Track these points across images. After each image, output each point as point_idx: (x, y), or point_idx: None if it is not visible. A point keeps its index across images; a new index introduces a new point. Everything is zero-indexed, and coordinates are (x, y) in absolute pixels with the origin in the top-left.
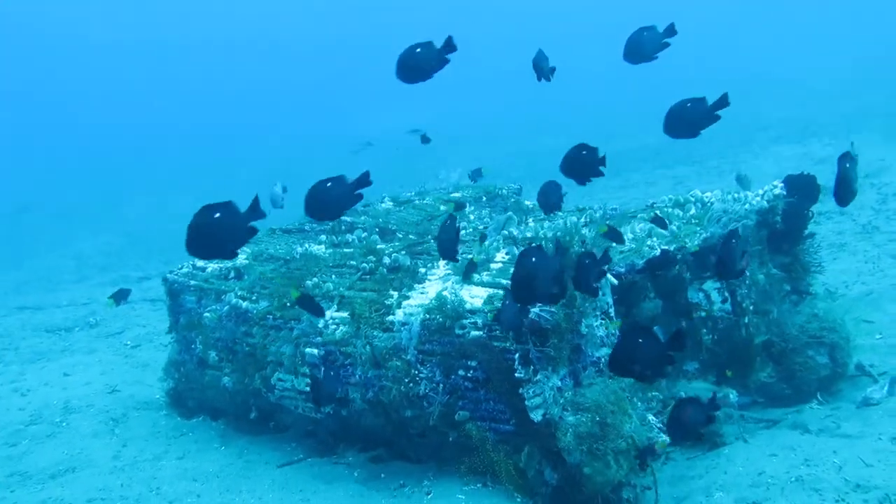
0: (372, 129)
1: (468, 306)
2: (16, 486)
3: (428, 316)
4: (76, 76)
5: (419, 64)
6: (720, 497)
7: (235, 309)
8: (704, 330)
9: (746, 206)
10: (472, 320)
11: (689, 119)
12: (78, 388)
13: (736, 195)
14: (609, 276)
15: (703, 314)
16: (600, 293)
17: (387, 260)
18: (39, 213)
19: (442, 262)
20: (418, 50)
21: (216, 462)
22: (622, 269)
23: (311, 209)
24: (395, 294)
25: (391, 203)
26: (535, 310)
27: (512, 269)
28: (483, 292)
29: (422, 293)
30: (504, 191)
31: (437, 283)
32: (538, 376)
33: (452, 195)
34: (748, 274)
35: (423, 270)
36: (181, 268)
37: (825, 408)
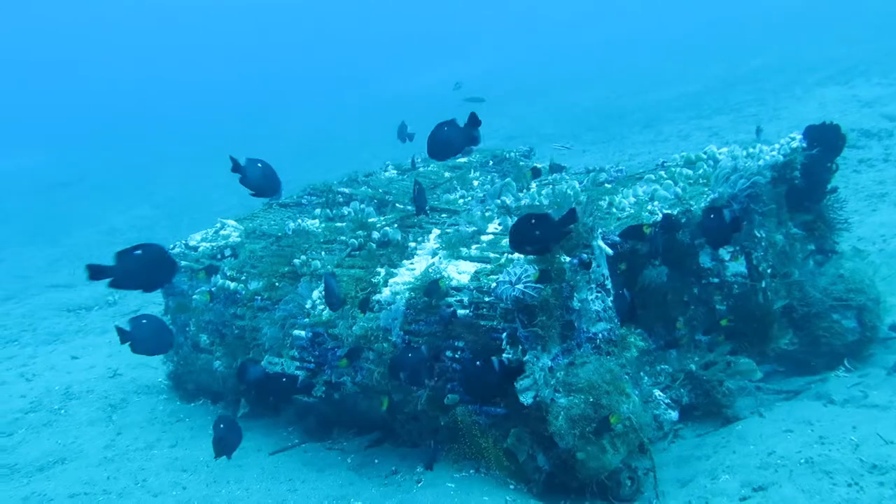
0: (411, 87)
1: (454, 283)
2: (2, 479)
3: (413, 295)
4: (109, 48)
5: None
6: (725, 480)
7: (223, 290)
8: (718, 297)
9: (760, 161)
10: (459, 298)
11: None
12: (81, 372)
13: (750, 150)
14: (603, 244)
15: (716, 280)
16: (594, 264)
17: (376, 234)
18: (78, 188)
19: (432, 235)
20: None
21: (208, 450)
22: (618, 238)
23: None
24: (383, 271)
25: (395, 171)
26: (519, 286)
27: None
28: (471, 267)
29: (409, 269)
30: (512, 154)
31: (426, 257)
32: (527, 356)
33: (459, 160)
34: (764, 235)
35: (412, 245)
36: (173, 247)
37: (853, 375)
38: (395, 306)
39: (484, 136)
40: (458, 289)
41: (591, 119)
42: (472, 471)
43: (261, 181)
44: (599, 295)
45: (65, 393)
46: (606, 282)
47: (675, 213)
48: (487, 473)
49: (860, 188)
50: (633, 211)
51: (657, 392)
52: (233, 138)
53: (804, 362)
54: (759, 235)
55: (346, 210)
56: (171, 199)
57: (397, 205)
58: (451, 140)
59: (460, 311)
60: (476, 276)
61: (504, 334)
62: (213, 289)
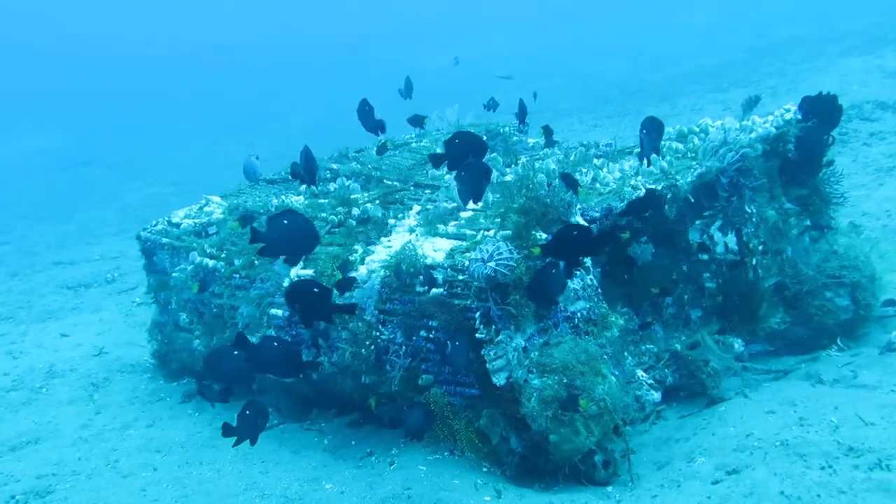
0: (428, 64)
1: (428, 261)
2: None
3: (388, 273)
4: (132, 29)
5: None
6: (701, 463)
7: (202, 268)
8: (707, 274)
9: (752, 134)
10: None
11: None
12: (68, 350)
13: (744, 122)
14: (582, 221)
15: (705, 257)
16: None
17: (356, 211)
18: (100, 166)
19: (413, 212)
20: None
21: (185, 430)
22: (597, 214)
23: None
24: (360, 249)
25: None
26: (491, 264)
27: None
28: (447, 245)
29: (386, 247)
30: (506, 129)
31: (404, 234)
32: (500, 336)
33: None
34: (755, 210)
35: (392, 221)
36: (156, 224)
37: (845, 354)
38: (370, 284)
39: (499, 111)
40: (433, 267)
41: (610, 93)
42: (446, 453)
43: (286, 246)
44: (578, 273)
45: (48, 371)
46: (585, 259)
47: (659, 187)
48: (462, 456)
49: (869, 162)
50: (615, 186)
51: (640, 372)
52: (249, 116)
53: (796, 341)
54: (749, 211)
55: (332, 186)
56: (185, 177)
57: (385, 181)
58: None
59: (434, 290)
60: (451, 253)
61: (478, 314)
62: (190, 266)
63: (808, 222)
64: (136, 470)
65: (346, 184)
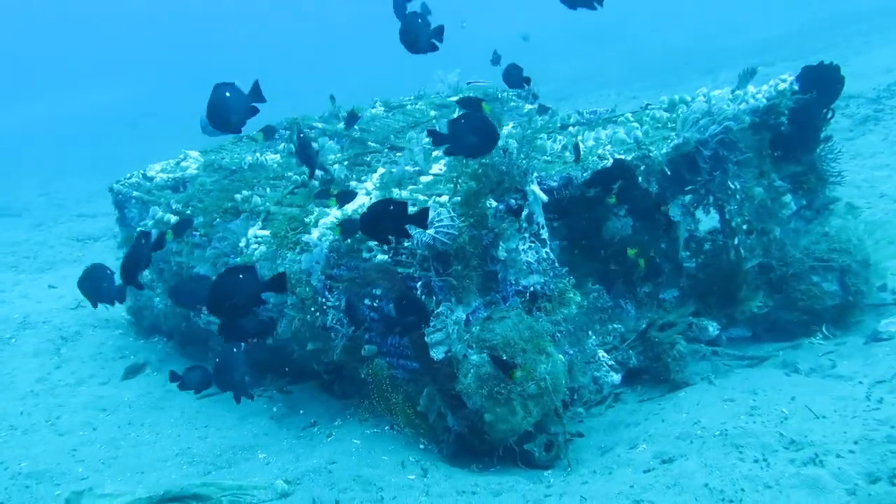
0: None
1: None
2: None
3: (337, 237)
4: None
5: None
6: (642, 450)
7: (163, 224)
8: (686, 253)
9: (742, 105)
10: None
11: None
12: (50, 301)
13: (737, 93)
14: (538, 190)
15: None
16: (526, 210)
17: (320, 172)
18: (154, 121)
19: (376, 175)
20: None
21: (136, 390)
22: (555, 184)
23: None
24: (316, 211)
25: (381, 108)
26: (430, 231)
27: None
28: None
29: (341, 210)
30: (504, 94)
31: (362, 196)
32: (441, 308)
33: (449, 99)
34: (739, 186)
35: (354, 183)
36: (129, 177)
37: (829, 343)
38: (319, 248)
39: (547, 79)
40: None
41: (661, 62)
42: (386, 427)
43: None
44: (533, 245)
45: (21, 322)
46: (542, 231)
47: (629, 158)
48: (401, 431)
49: None
50: (582, 155)
51: (601, 353)
52: (308, 75)
53: (782, 327)
54: (733, 187)
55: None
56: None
57: (369, 143)
58: (228, 108)
59: (379, 257)
60: None
61: (420, 283)
62: (150, 221)
63: (803, 201)
64: (75, 428)
65: (328, 144)
